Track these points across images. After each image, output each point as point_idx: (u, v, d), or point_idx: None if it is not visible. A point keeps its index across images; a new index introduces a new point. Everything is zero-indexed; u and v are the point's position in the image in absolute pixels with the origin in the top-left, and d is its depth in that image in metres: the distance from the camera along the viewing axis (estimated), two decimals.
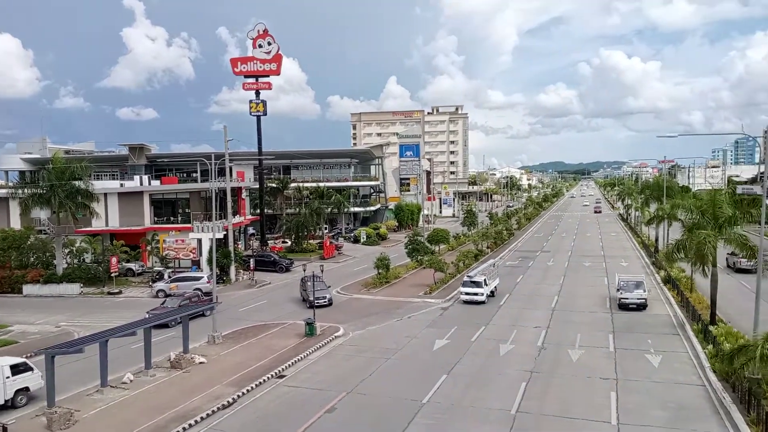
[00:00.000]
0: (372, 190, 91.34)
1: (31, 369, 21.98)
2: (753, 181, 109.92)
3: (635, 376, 22.70)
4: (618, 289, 34.11)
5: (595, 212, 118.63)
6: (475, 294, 36.00)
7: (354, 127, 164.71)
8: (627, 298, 33.29)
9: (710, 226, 27.94)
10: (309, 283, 36.13)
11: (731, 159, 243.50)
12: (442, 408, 20.19)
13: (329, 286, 38.92)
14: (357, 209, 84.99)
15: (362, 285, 43.54)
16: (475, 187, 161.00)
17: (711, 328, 26.26)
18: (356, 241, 71.53)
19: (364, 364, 25.27)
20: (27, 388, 21.78)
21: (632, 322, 31.10)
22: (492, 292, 38.11)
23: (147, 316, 30.33)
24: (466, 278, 37.89)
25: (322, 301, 36.01)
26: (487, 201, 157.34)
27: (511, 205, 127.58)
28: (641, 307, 33.07)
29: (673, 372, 23.19)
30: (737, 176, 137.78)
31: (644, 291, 33.53)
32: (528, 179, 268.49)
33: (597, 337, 28.51)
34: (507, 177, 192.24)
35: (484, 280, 36.72)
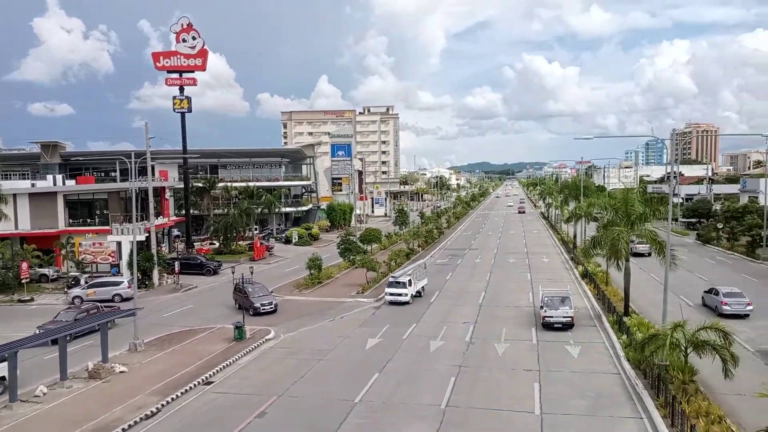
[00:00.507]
0: (304, 190, 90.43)
1: (5, 359, 20.96)
2: (662, 180, 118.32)
3: (556, 367, 23.83)
4: (542, 306, 30.24)
5: (519, 212, 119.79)
6: (400, 294, 35.99)
7: (285, 126, 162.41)
8: (551, 317, 29.46)
9: (623, 222, 29.84)
10: (250, 289, 35.08)
11: (643, 160, 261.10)
12: (375, 406, 20.32)
13: (272, 291, 37.80)
14: (288, 209, 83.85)
15: (294, 286, 43.02)
16: (407, 187, 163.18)
17: (625, 319, 28.02)
18: (288, 241, 70.56)
19: (295, 366, 24.99)
20: (3, 378, 21.14)
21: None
22: (419, 292, 38.33)
23: (37, 331, 27.67)
24: (391, 279, 37.87)
25: (269, 307, 34.61)
26: (419, 200, 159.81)
27: (439, 205, 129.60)
28: (567, 326, 29.28)
29: (591, 362, 24.55)
30: (648, 176, 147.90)
31: (570, 308, 29.66)
32: (457, 179, 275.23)
33: (521, 330, 29.69)
34: (437, 177, 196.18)
35: (409, 280, 36.68)
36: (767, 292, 37.84)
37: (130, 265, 37.54)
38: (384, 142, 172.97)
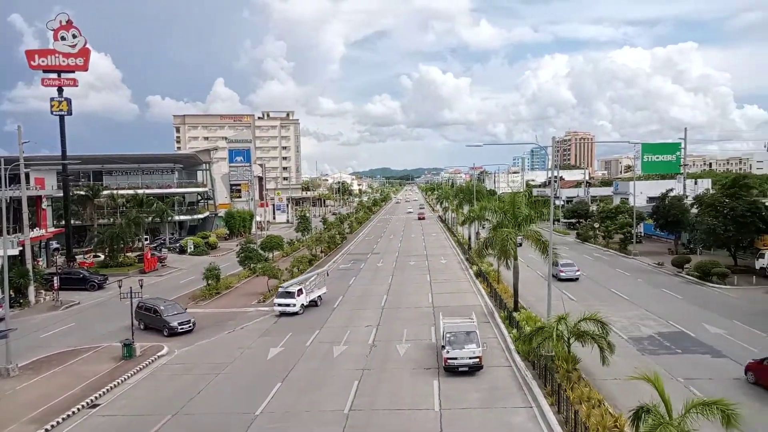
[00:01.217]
0: (200, 197, 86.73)
1: None
2: (545, 184, 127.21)
3: None
4: (443, 345, 24.07)
5: (419, 219, 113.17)
6: (288, 305, 34.96)
7: (178, 130, 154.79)
8: (455, 358, 23.31)
9: (511, 224, 31.74)
10: (162, 307, 32.40)
11: (529, 165, 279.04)
12: (277, 417, 19.96)
13: (185, 308, 34.87)
14: (183, 218, 79.95)
15: (190, 298, 41.10)
16: (309, 193, 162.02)
17: (515, 314, 29.80)
18: (182, 251, 67.22)
19: (191, 382, 23.88)
20: None
21: (451, 314, 33.80)
22: (315, 301, 37.41)
23: None
24: (281, 288, 36.76)
25: (187, 326, 31.87)
26: (321, 206, 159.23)
27: (335, 212, 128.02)
28: (474, 369, 23.47)
29: (485, 356, 25.69)
30: (533, 180, 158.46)
31: (478, 345, 23.58)
32: (359, 184, 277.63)
33: (421, 330, 30.55)
34: (339, 182, 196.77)
35: (299, 290, 35.61)
36: (638, 284, 42.01)
37: (0, 282, 33.94)
38: (285, 148, 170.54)
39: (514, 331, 27.61)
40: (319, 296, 38.37)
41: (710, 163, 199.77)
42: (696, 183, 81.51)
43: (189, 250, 66.57)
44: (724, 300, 36.30)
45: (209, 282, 42.01)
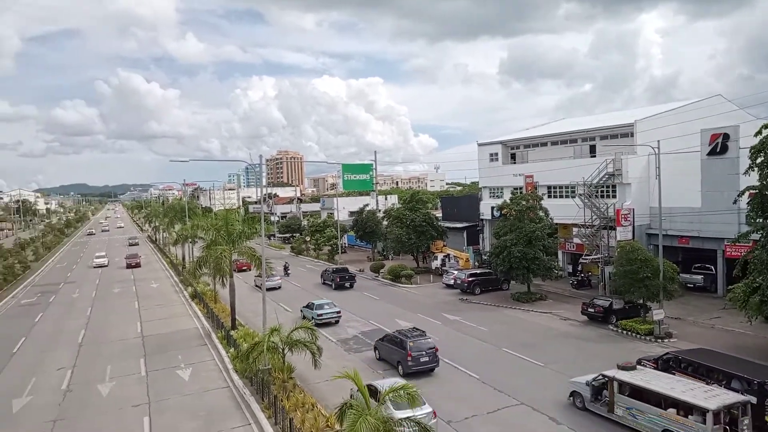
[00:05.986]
0: None
1: None
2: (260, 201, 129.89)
3: (167, 395, 23.20)
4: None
5: (130, 266, 65.35)
6: None
7: None
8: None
9: (225, 241, 31.49)
10: None
11: (244, 182, 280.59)
12: None
13: None
14: None
15: None
16: None
17: (232, 332, 29.55)
18: None
19: None
20: None
21: (163, 342, 31.72)
22: None
23: None
24: None
25: None
26: None
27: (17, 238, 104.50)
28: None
29: (202, 381, 24.88)
30: (249, 197, 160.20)
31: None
32: (46, 203, 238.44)
33: (128, 364, 27.73)
34: (18, 201, 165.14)
35: None
36: (344, 290, 46.16)
37: None
38: None
39: (232, 350, 27.35)
40: None
41: (397, 182, 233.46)
42: (386, 199, 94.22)
43: None
44: (411, 297, 42.76)
45: None
